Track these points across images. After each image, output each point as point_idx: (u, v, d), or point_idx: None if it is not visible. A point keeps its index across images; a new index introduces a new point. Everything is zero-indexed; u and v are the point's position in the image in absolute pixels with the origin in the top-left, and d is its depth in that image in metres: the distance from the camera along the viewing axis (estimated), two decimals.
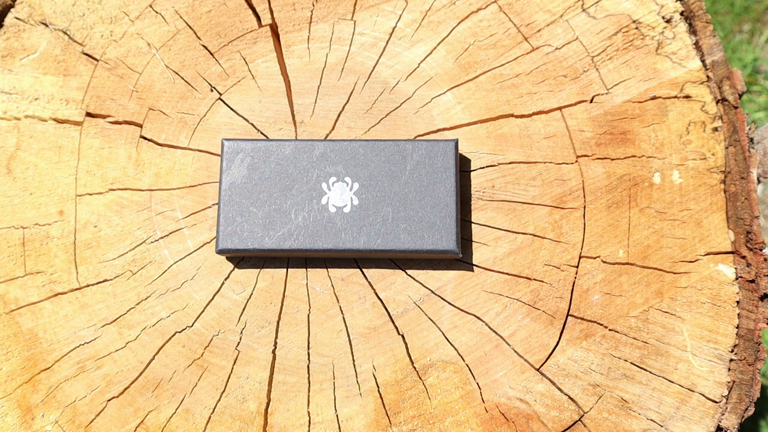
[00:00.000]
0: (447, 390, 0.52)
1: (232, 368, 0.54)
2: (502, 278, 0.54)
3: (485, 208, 0.56)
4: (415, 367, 0.53)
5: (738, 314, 0.52)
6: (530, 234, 0.55)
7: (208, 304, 0.55)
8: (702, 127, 0.56)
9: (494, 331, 0.53)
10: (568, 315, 0.53)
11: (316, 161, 0.54)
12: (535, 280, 0.54)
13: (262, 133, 0.59)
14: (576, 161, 0.56)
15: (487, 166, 0.56)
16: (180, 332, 0.55)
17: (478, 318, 0.53)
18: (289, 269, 0.56)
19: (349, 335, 0.54)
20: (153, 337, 0.55)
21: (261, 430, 0.52)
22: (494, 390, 0.52)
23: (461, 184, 0.56)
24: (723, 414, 0.51)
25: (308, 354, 0.54)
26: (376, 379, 0.53)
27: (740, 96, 0.56)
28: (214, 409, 0.53)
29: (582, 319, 0.53)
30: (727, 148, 0.55)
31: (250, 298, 0.55)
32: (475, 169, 0.56)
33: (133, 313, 0.55)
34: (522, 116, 0.57)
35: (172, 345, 0.54)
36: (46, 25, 0.62)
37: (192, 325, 0.55)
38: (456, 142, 0.54)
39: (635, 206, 0.55)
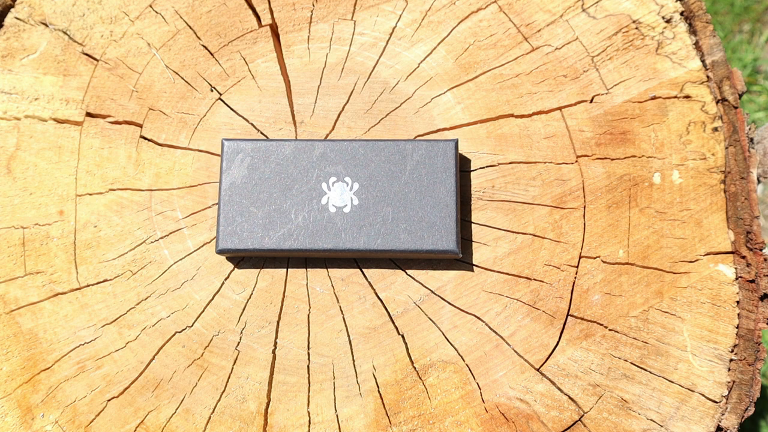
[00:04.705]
0: (447, 390, 0.52)
1: (232, 368, 0.54)
2: (502, 278, 0.54)
3: (485, 208, 0.56)
4: (415, 367, 0.53)
5: (738, 314, 0.52)
6: (530, 234, 0.55)
7: (208, 304, 0.55)
8: (702, 127, 0.56)
9: (494, 331, 0.53)
10: (568, 315, 0.53)
11: (316, 161, 0.54)
12: (535, 280, 0.54)
13: (262, 133, 0.59)
14: (576, 161, 0.56)
15: (487, 166, 0.56)
16: (180, 332, 0.55)
17: (478, 318, 0.53)
18: (289, 269, 0.56)
19: (349, 335, 0.54)
20: (153, 337, 0.55)
21: (261, 430, 0.52)
22: (494, 390, 0.52)
23: (461, 184, 0.56)
24: (723, 414, 0.51)
25: (308, 354, 0.54)
26: (376, 379, 0.53)
27: (740, 96, 0.56)
28: (214, 409, 0.53)
29: (582, 319, 0.53)
30: (727, 148, 0.55)
31: (250, 298, 0.55)
32: (475, 169, 0.57)
33: (133, 313, 0.55)
34: (522, 116, 0.57)
35: (172, 345, 0.54)
36: (46, 25, 0.62)
37: (192, 325, 0.55)
38: (456, 142, 0.54)
39: (635, 206, 0.55)
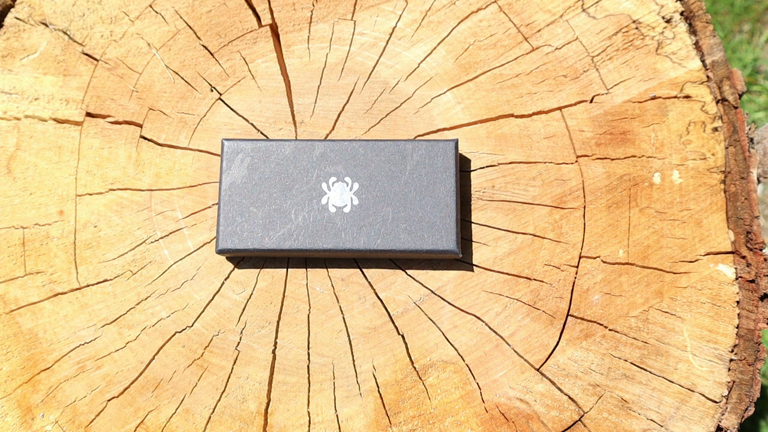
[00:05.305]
0: (447, 390, 0.52)
1: (232, 368, 0.54)
2: (502, 278, 0.54)
3: (485, 208, 0.56)
4: (415, 367, 0.53)
5: (738, 314, 0.52)
6: (530, 234, 0.55)
7: (208, 304, 0.55)
8: (702, 127, 0.56)
9: (494, 331, 0.53)
10: (568, 315, 0.53)
11: (316, 161, 0.54)
12: (535, 280, 0.54)
13: (262, 133, 0.59)
14: (576, 161, 0.56)
15: (487, 166, 0.56)
16: (180, 332, 0.55)
17: (478, 318, 0.53)
18: (289, 269, 0.56)
19: (349, 335, 0.54)
20: (153, 337, 0.55)
21: (261, 430, 0.52)
22: (494, 390, 0.52)
23: (461, 184, 0.56)
24: (723, 414, 0.51)
25: (308, 354, 0.54)
26: (376, 379, 0.53)
27: (740, 96, 0.56)
28: (214, 409, 0.53)
29: (582, 319, 0.53)
30: (727, 148, 0.55)
31: (250, 298, 0.55)
32: (475, 169, 0.57)
33: (133, 313, 0.55)
34: (522, 116, 0.57)
35: (172, 345, 0.54)
36: (46, 25, 0.62)
37: (192, 325, 0.55)
38: (456, 142, 0.54)
39: (635, 206, 0.55)
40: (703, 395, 0.51)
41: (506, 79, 0.58)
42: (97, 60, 0.61)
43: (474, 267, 0.55)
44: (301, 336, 0.54)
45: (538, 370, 0.52)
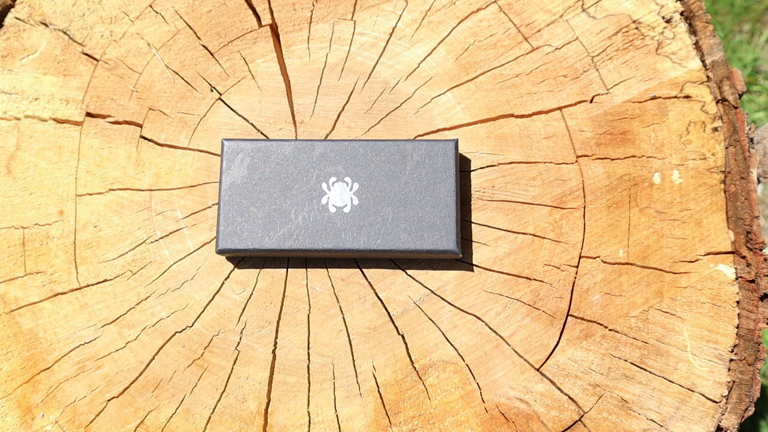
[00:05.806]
0: (447, 390, 0.52)
1: (232, 368, 0.54)
2: (502, 278, 0.54)
3: (485, 208, 0.56)
4: (415, 367, 0.53)
5: (738, 314, 0.52)
6: (530, 234, 0.55)
7: (208, 304, 0.55)
8: (702, 127, 0.56)
9: (494, 331, 0.53)
10: (568, 315, 0.53)
11: (316, 161, 0.54)
12: (535, 280, 0.54)
13: (262, 133, 0.59)
14: (576, 161, 0.56)
15: (487, 166, 0.57)
16: (180, 332, 0.55)
17: (478, 318, 0.53)
18: (289, 269, 0.56)
19: (349, 335, 0.54)
20: (153, 337, 0.55)
21: (261, 430, 0.52)
22: (494, 390, 0.52)
23: (461, 184, 0.56)
24: (723, 414, 0.51)
25: (308, 354, 0.54)
26: (376, 379, 0.53)
27: (740, 96, 0.56)
28: (214, 409, 0.53)
29: (582, 319, 0.53)
30: (727, 148, 0.55)
31: (250, 298, 0.55)
32: (475, 169, 0.57)
33: (133, 313, 0.55)
34: (522, 116, 0.57)
35: (172, 345, 0.54)
36: (46, 25, 0.62)
37: (192, 325, 0.55)
38: (456, 142, 0.54)
39: (635, 206, 0.55)
40: (703, 395, 0.51)
41: (506, 79, 0.58)
42: (97, 60, 0.61)
43: (474, 267, 0.55)
44: (301, 336, 0.54)
45: (538, 370, 0.52)
